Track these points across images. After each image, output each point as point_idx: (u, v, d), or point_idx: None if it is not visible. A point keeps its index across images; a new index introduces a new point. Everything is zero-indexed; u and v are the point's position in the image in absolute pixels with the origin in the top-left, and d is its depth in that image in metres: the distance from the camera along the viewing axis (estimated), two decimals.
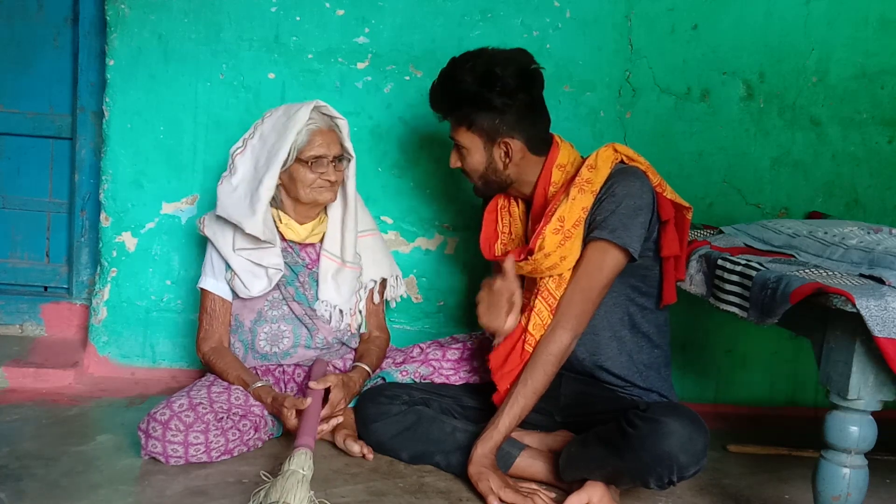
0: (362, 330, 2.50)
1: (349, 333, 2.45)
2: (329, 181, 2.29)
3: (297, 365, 2.40)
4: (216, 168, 2.68)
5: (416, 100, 2.71)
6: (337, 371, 2.40)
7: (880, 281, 1.74)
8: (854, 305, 1.61)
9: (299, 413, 2.11)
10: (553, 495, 2.03)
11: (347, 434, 2.25)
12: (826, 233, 2.13)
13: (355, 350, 2.47)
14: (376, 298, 2.52)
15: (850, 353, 1.68)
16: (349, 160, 2.36)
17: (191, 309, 2.75)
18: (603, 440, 1.94)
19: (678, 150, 2.84)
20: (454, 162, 2.24)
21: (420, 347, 2.48)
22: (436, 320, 2.85)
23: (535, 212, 2.20)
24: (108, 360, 2.76)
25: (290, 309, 2.38)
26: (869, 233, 2.10)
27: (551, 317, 2.08)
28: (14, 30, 2.84)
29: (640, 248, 2.05)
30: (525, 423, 2.12)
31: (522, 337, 2.11)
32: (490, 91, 2.07)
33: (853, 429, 1.71)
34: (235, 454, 2.13)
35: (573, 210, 2.06)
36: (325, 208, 2.41)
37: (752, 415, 2.88)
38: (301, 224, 2.37)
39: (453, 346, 2.44)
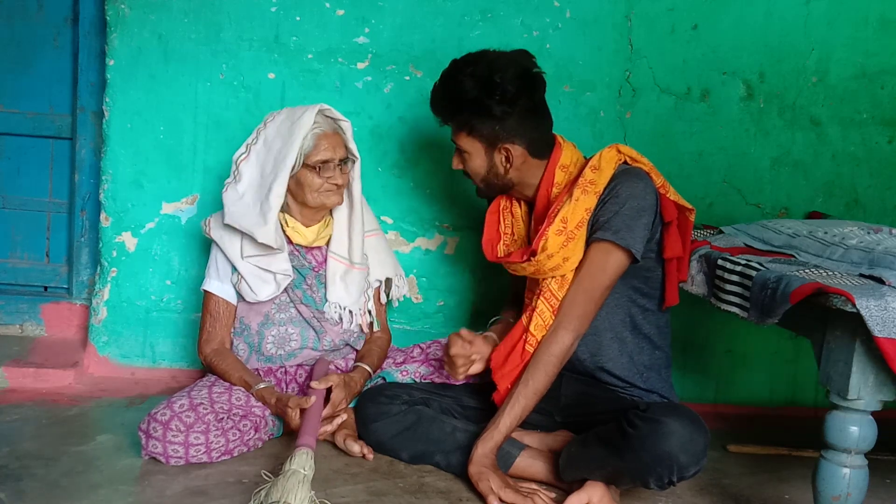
0: (376, 328, 2.49)
1: (356, 335, 2.45)
2: (336, 184, 2.28)
3: (299, 365, 2.40)
4: (216, 168, 2.69)
5: (416, 100, 2.71)
6: (339, 371, 2.40)
7: (880, 281, 1.74)
8: (854, 305, 1.61)
9: (303, 412, 2.10)
10: (553, 495, 2.03)
11: (347, 434, 2.25)
12: (826, 233, 2.13)
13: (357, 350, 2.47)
14: (383, 298, 2.52)
15: (850, 353, 1.68)
16: (354, 161, 2.36)
17: (191, 309, 2.74)
18: (603, 440, 1.94)
19: (678, 150, 2.84)
20: (456, 164, 2.24)
21: (420, 347, 2.48)
22: (436, 320, 2.85)
23: (538, 212, 2.20)
24: (108, 360, 2.75)
25: (298, 311, 2.37)
26: (869, 233, 2.10)
27: (553, 317, 2.09)
28: (14, 30, 2.84)
29: (643, 249, 2.05)
30: (525, 423, 2.12)
31: (524, 337, 2.11)
32: (490, 98, 2.05)
33: (853, 429, 1.71)
34: (235, 454, 2.13)
35: (576, 211, 2.05)
36: (331, 210, 2.40)
37: (752, 415, 2.88)
38: (307, 227, 2.36)
39: None
